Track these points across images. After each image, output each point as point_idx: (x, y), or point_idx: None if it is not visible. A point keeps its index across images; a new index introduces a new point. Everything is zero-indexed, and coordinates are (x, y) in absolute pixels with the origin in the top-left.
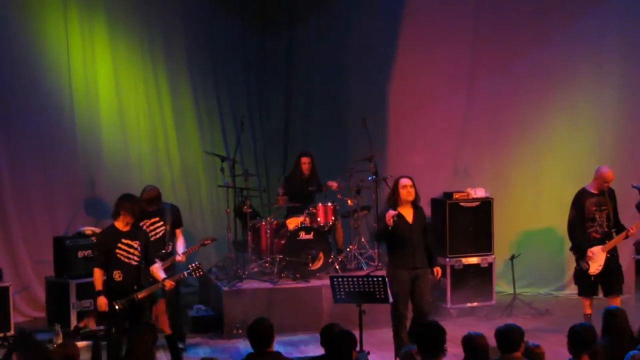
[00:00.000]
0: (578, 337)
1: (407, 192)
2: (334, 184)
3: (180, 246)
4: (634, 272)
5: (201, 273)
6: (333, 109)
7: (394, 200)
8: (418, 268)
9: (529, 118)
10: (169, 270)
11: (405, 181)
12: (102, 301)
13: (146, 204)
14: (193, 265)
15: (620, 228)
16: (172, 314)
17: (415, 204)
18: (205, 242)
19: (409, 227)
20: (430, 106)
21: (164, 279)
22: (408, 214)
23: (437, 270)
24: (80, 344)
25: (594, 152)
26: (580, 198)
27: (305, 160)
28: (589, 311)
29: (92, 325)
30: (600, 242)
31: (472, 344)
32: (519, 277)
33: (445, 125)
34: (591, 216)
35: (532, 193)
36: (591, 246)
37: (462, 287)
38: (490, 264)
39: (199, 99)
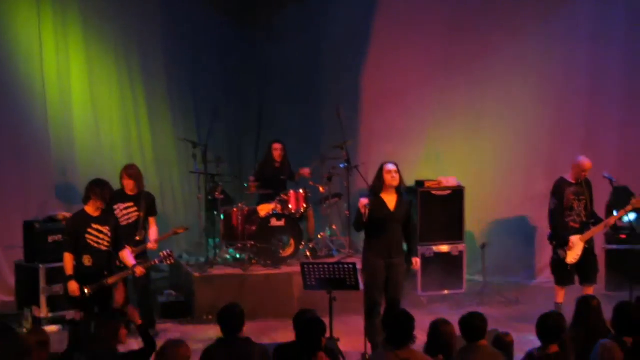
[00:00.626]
0: (548, 327)
1: (391, 177)
2: (306, 171)
3: (153, 234)
4: (604, 262)
5: (172, 261)
6: (306, 96)
7: (379, 186)
8: (393, 257)
9: (502, 107)
10: (141, 257)
11: (390, 166)
12: (74, 286)
13: (133, 179)
14: (164, 252)
15: (597, 219)
16: (142, 299)
17: (399, 191)
18: (178, 231)
19: (390, 214)
20: (403, 94)
21: (134, 265)
22: (391, 200)
23: (416, 260)
24: (50, 328)
25: (565, 143)
26: (560, 187)
27: (277, 146)
28: (560, 300)
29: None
30: (579, 231)
31: (437, 331)
32: (489, 265)
33: (419, 114)
34: (570, 205)
35: (503, 182)
36: (570, 235)
37: (432, 274)
38: (461, 252)
39: (172, 86)
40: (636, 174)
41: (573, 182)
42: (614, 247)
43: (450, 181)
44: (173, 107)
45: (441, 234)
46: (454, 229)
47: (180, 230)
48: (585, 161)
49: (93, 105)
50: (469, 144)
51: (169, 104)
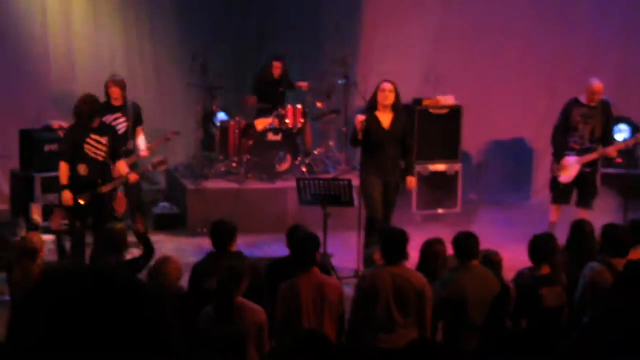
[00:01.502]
0: (539, 247)
1: (384, 96)
2: (304, 85)
3: (142, 143)
4: (600, 186)
5: (165, 167)
6: (308, 12)
7: (374, 103)
8: (389, 176)
9: (507, 29)
10: (132, 168)
11: (385, 85)
12: (68, 196)
13: (119, 87)
14: (157, 158)
15: (607, 144)
16: (135, 211)
17: (396, 109)
18: (169, 137)
19: (384, 133)
20: (405, 13)
21: (128, 173)
22: (386, 119)
23: (411, 180)
24: (46, 237)
25: (567, 63)
26: (568, 107)
27: (277, 64)
28: (554, 219)
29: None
30: (578, 153)
31: (429, 250)
32: (485, 185)
33: (420, 32)
34: (574, 126)
35: (503, 102)
36: (567, 155)
37: (428, 193)
38: (457, 172)
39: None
40: (637, 99)
41: (586, 103)
42: (610, 170)
43: (448, 100)
44: (175, 20)
45: (438, 152)
46: (450, 148)
47: (171, 135)
48: (593, 84)
49: (94, 14)
50: (469, 63)
51: (170, 18)
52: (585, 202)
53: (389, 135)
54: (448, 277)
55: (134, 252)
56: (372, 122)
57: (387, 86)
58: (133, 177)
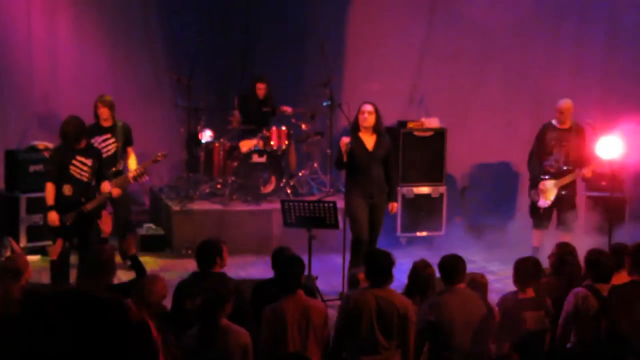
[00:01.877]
0: (522, 271)
1: (364, 118)
2: (288, 109)
3: (133, 163)
4: (585, 209)
5: (147, 178)
6: (291, 33)
7: (356, 125)
8: (375, 197)
9: (489, 50)
10: (122, 189)
11: (365, 107)
12: (54, 216)
13: (107, 106)
14: (137, 170)
15: (583, 166)
16: (123, 231)
17: (378, 131)
18: (158, 158)
19: (367, 155)
20: (389, 34)
21: (110, 189)
22: (369, 141)
23: (393, 205)
24: (29, 258)
25: (551, 87)
26: (543, 131)
27: (261, 86)
28: (537, 244)
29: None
30: (554, 176)
31: (416, 272)
32: (470, 208)
33: (404, 54)
34: (549, 150)
35: (487, 126)
36: (544, 179)
37: (412, 216)
38: (442, 195)
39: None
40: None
41: (559, 127)
42: (595, 194)
43: (432, 122)
44: (160, 41)
45: (422, 175)
46: (435, 171)
47: (159, 157)
48: (560, 103)
49: (79, 34)
50: (453, 85)
51: (155, 38)
52: (565, 224)
53: (372, 157)
54: (434, 300)
55: (119, 274)
56: (356, 144)
57: (367, 108)
58: (115, 192)
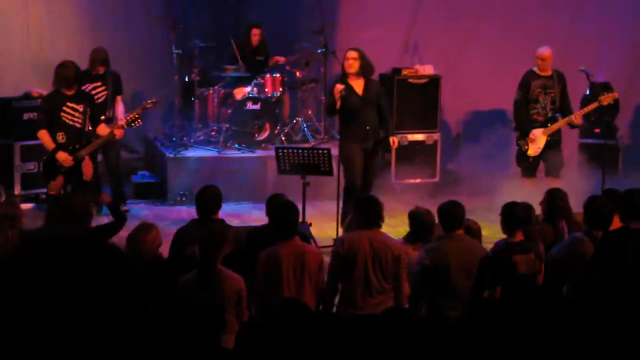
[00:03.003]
0: (511, 213)
1: (348, 64)
2: (281, 59)
3: (121, 112)
4: (577, 155)
5: (140, 122)
6: None
7: (343, 72)
8: (369, 142)
9: None
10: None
11: (349, 53)
12: (63, 156)
13: (97, 63)
14: (131, 115)
15: (568, 112)
16: (113, 177)
17: (366, 76)
18: (147, 106)
19: (359, 99)
20: None
21: (111, 130)
22: (358, 86)
23: (393, 140)
24: (23, 206)
25: (549, 32)
26: (527, 79)
27: (255, 32)
28: (528, 191)
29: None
30: (542, 124)
31: (419, 220)
32: (464, 156)
33: (398, 1)
34: (535, 98)
35: (483, 73)
36: (532, 128)
37: (406, 163)
38: (436, 142)
39: None
40: (615, 69)
41: (542, 74)
42: (588, 140)
43: (427, 69)
44: None
45: (416, 122)
46: (429, 118)
47: (149, 104)
48: (540, 50)
49: None
50: (448, 32)
51: None
52: (553, 171)
53: (363, 101)
54: (432, 246)
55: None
56: (346, 90)
57: (351, 54)
58: (118, 133)
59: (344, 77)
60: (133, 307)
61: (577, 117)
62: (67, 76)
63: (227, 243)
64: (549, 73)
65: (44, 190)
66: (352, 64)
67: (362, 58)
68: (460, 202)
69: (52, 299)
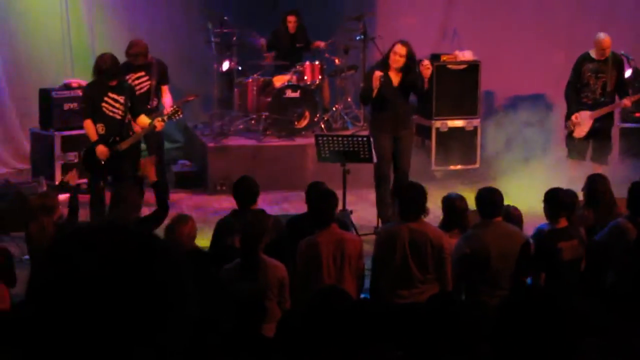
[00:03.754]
0: (555, 198)
1: (395, 59)
2: (321, 44)
3: (168, 102)
4: (618, 140)
5: (181, 115)
6: None
7: (385, 63)
8: (400, 130)
9: None
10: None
11: (398, 48)
12: (102, 149)
13: (132, 58)
14: (173, 107)
15: (621, 96)
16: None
17: (406, 71)
18: (189, 99)
19: (392, 90)
20: None
21: (151, 122)
22: (396, 77)
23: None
24: (63, 197)
25: (586, 15)
26: (579, 63)
27: (291, 19)
28: (573, 172)
29: (72, 180)
30: (590, 108)
31: (451, 206)
32: (505, 141)
33: None
34: (585, 81)
35: (521, 58)
36: (579, 110)
37: (446, 149)
38: (476, 127)
39: None
40: None
41: (597, 58)
42: (629, 125)
43: (466, 55)
44: None
45: (456, 108)
46: (469, 104)
47: (191, 97)
48: (600, 38)
49: None
50: (486, 18)
51: None
52: (599, 157)
53: (397, 93)
54: (471, 233)
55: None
56: (384, 79)
57: (401, 50)
58: (159, 125)
59: (384, 67)
60: (174, 298)
61: (628, 101)
62: (108, 67)
63: (267, 232)
64: (604, 57)
65: (85, 180)
66: (399, 61)
67: (410, 56)
68: (497, 189)
69: (92, 290)
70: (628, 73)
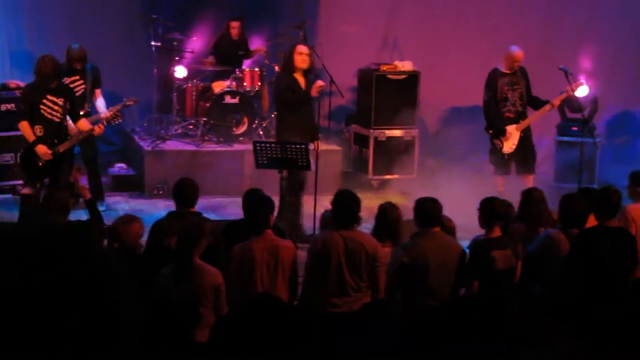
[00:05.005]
0: (490, 209)
1: (302, 59)
2: (262, 48)
3: (101, 105)
4: (554, 153)
5: (120, 120)
6: None
7: (290, 66)
8: (314, 136)
9: None
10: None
11: (301, 48)
12: (43, 149)
13: (71, 62)
14: (109, 113)
15: (538, 103)
16: (91, 173)
17: (306, 74)
18: (128, 103)
19: (303, 93)
20: None
21: (91, 128)
22: (302, 81)
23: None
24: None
25: (527, 30)
26: (493, 78)
27: (234, 24)
28: (501, 188)
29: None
30: (514, 121)
31: (384, 215)
32: (442, 152)
33: None
34: (504, 96)
35: (460, 70)
36: (506, 125)
37: (384, 159)
38: (414, 137)
39: None
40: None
41: (507, 72)
42: (565, 138)
43: (406, 65)
44: None
45: (395, 118)
46: (407, 114)
47: (131, 102)
48: (516, 51)
49: None
50: (429, 28)
51: None
52: (526, 167)
53: (307, 97)
54: (409, 243)
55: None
56: (294, 84)
57: (305, 49)
58: (98, 129)
59: (289, 71)
60: (107, 300)
61: (557, 101)
62: (47, 69)
63: (204, 236)
64: (513, 70)
65: (20, 182)
66: (306, 60)
67: (311, 56)
68: (436, 199)
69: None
70: (586, 91)
